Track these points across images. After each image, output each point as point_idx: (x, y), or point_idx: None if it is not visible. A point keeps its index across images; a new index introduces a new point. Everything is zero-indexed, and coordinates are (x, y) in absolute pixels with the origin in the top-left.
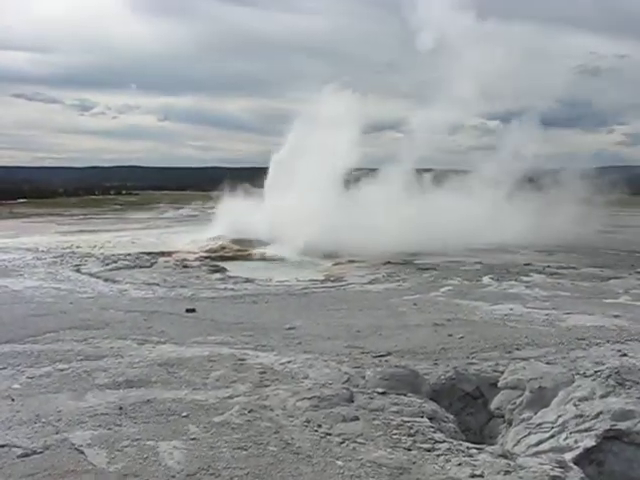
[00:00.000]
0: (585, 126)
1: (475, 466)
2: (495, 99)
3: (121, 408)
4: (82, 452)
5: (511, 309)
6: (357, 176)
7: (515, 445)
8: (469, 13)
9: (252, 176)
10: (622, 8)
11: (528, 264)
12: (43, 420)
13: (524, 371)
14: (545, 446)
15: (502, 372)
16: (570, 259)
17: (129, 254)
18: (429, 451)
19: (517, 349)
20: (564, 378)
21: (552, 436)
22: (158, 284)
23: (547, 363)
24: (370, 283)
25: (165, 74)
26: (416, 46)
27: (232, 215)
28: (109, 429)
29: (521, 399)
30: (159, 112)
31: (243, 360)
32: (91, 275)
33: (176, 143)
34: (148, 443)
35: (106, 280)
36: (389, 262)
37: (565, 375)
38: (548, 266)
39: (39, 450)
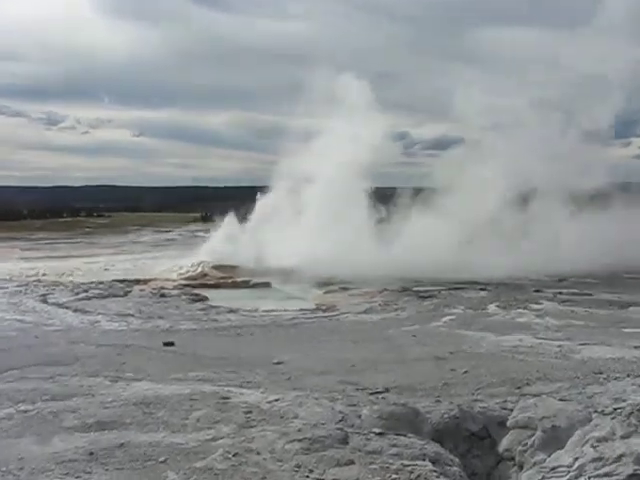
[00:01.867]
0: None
1: None
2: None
3: (92, 453)
4: None
5: (520, 340)
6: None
7: None
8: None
9: (236, 196)
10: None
11: (538, 290)
12: (3, 469)
13: (536, 408)
14: None
15: (511, 410)
16: (584, 285)
17: (101, 282)
18: None
19: (527, 384)
20: (580, 416)
21: None
22: (133, 315)
23: (561, 399)
24: (365, 312)
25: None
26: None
27: (215, 239)
28: (78, 477)
29: (533, 439)
30: (134, 127)
31: (227, 398)
32: (59, 305)
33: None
34: None
35: (76, 311)
36: (385, 289)
37: (581, 413)
38: (560, 292)
39: None
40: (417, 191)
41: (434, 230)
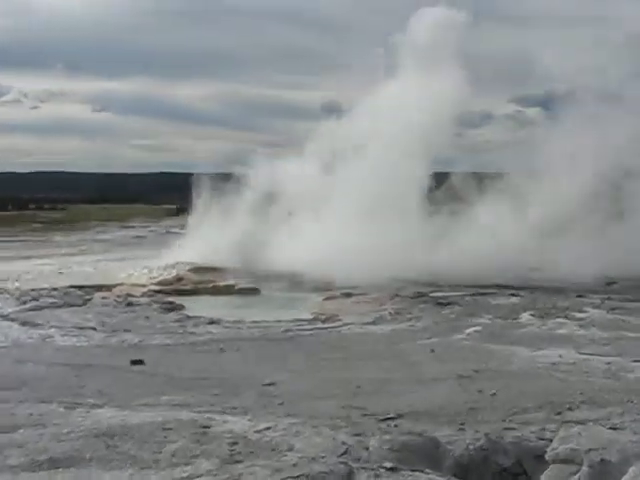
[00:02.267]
0: None
1: None
2: (532, 77)
3: None
4: None
5: (560, 356)
6: None
7: None
8: None
9: (219, 185)
10: None
11: (581, 295)
12: None
13: (580, 438)
14: None
15: (550, 440)
16: (637, 289)
17: (55, 289)
18: None
19: (569, 409)
20: (635, 448)
21: None
22: (94, 328)
23: (611, 428)
24: (373, 323)
25: (102, 50)
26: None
27: (192, 236)
28: None
29: (577, 477)
30: (94, 100)
31: (207, 427)
32: (3, 317)
33: (118, 141)
34: None
35: (24, 324)
36: (397, 295)
37: (636, 444)
38: (608, 298)
39: None
40: (479, 176)
41: (502, 225)
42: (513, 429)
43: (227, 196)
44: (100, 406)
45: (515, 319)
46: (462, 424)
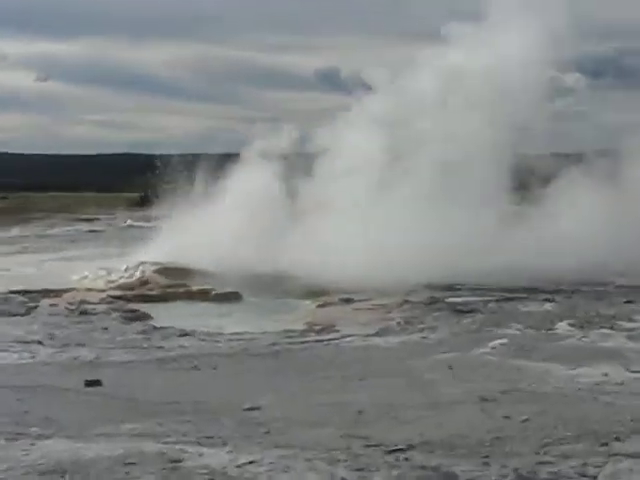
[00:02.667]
0: None
1: None
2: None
3: None
4: None
5: (605, 375)
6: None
7: None
8: None
9: (191, 168)
10: None
11: (630, 301)
12: None
13: (631, 475)
14: None
15: (594, 477)
16: None
17: None
18: None
19: (617, 439)
20: None
21: None
22: (40, 342)
23: None
24: (378, 335)
25: (49, 4)
26: None
27: (160, 231)
28: None
29: None
30: (38, 67)
31: (178, 462)
32: None
33: (67, 116)
34: None
35: None
36: (407, 300)
37: None
38: None
39: None
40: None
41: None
42: (549, 463)
43: (202, 182)
44: (47, 437)
45: (550, 330)
46: (486, 457)
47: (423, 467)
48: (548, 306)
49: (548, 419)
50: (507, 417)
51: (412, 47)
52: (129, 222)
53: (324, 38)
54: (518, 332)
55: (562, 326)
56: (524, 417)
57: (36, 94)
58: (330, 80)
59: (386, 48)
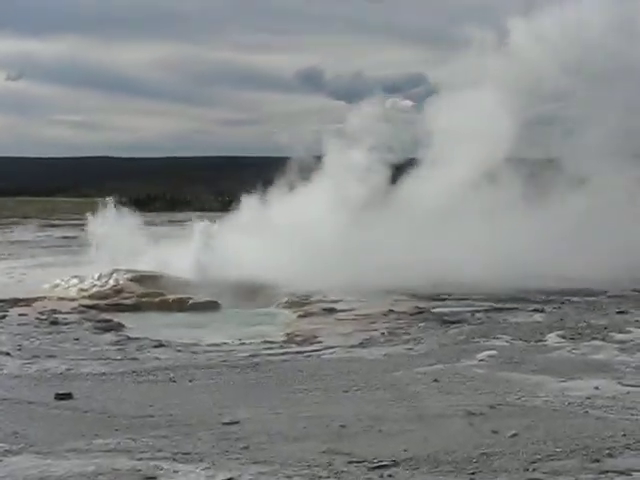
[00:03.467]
0: None
1: None
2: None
3: None
4: None
5: (597, 388)
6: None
7: None
8: None
9: (168, 172)
10: None
11: (622, 312)
12: None
13: None
14: None
15: None
16: None
17: None
18: None
19: (610, 455)
20: None
21: None
22: (8, 353)
23: None
24: (361, 346)
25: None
26: None
27: (135, 237)
28: None
29: None
30: (10, 65)
31: (153, 479)
32: None
33: (39, 117)
34: None
35: None
36: (392, 310)
37: None
38: None
39: None
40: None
41: None
42: None
43: (179, 185)
44: (15, 452)
45: (539, 341)
46: (473, 473)
47: None
48: (538, 317)
49: (538, 434)
50: (495, 432)
51: (400, 46)
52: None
53: (295, 36)
54: (507, 344)
55: (552, 337)
56: (513, 432)
57: (7, 93)
58: (312, 81)
59: (371, 47)
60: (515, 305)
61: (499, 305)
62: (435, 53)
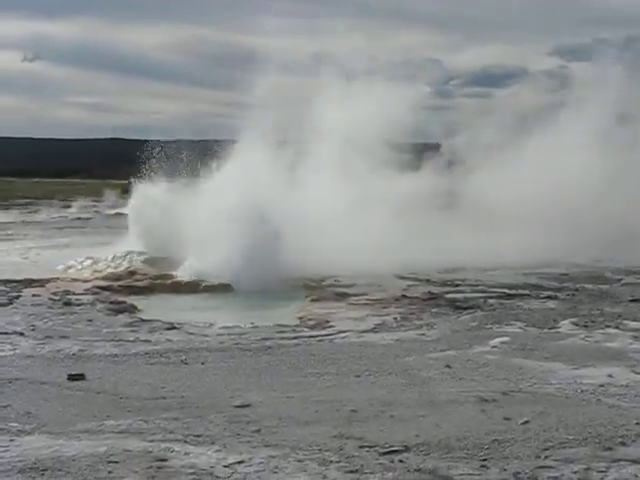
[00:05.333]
0: None
1: None
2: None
3: None
4: None
5: (610, 375)
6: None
7: None
8: None
9: (179, 154)
10: None
11: (636, 299)
12: None
13: None
14: None
15: None
16: None
17: None
18: None
19: (623, 443)
20: None
21: None
22: (22, 333)
23: None
24: (373, 331)
25: None
26: None
27: (149, 219)
28: None
29: None
30: (26, 46)
31: (164, 460)
32: None
33: (53, 99)
34: None
35: None
36: (405, 295)
37: None
38: None
39: None
40: None
41: None
42: (550, 468)
43: (191, 168)
44: (28, 432)
45: (552, 328)
46: (484, 460)
47: (419, 470)
48: (551, 304)
49: (550, 421)
50: (507, 418)
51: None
52: (117, 210)
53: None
54: (520, 330)
55: (565, 325)
56: (525, 419)
57: (22, 75)
58: (325, 64)
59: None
60: (528, 292)
61: (512, 292)
62: (449, 38)
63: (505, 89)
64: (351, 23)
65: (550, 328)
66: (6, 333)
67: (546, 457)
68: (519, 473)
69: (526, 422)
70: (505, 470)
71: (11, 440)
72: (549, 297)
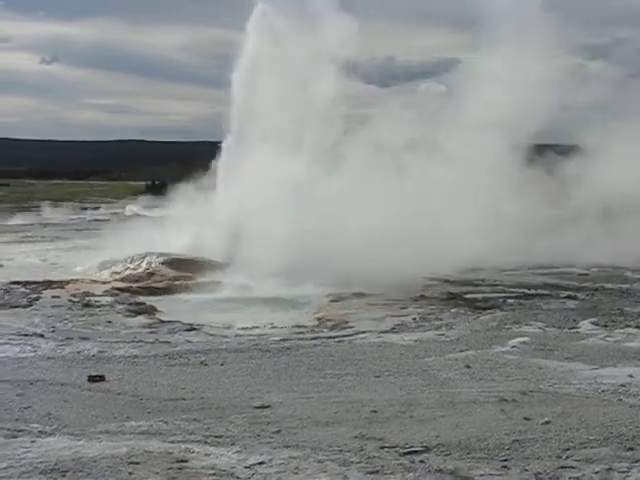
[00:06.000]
0: None
1: None
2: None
3: None
4: None
5: (631, 376)
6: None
7: None
8: None
9: (201, 156)
10: None
11: None
12: None
13: None
14: None
15: None
16: None
17: None
18: None
19: None
20: None
21: None
22: (42, 335)
23: None
24: (393, 331)
25: None
26: None
27: (167, 220)
28: None
29: None
30: (44, 48)
31: (184, 462)
32: None
33: (72, 100)
34: None
35: None
36: (423, 295)
37: None
38: None
39: None
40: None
41: None
42: (571, 468)
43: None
44: (49, 434)
45: (572, 328)
46: (505, 460)
47: (439, 470)
48: (570, 304)
49: (570, 421)
50: (528, 419)
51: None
52: (135, 211)
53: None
54: (539, 330)
55: (585, 324)
56: (545, 419)
57: (41, 77)
58: (343, 65)
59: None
60: (547, 292)
61: (531, 292)
62: (466, 37)
63: None
64: (370, 23)
65: (570, 328)
66: (27, 335)
67: (567, 457)
68: (540, 474)
69: (547, 422)
70: (526, 470)
71: (32, 441)
72: (569, 297)
